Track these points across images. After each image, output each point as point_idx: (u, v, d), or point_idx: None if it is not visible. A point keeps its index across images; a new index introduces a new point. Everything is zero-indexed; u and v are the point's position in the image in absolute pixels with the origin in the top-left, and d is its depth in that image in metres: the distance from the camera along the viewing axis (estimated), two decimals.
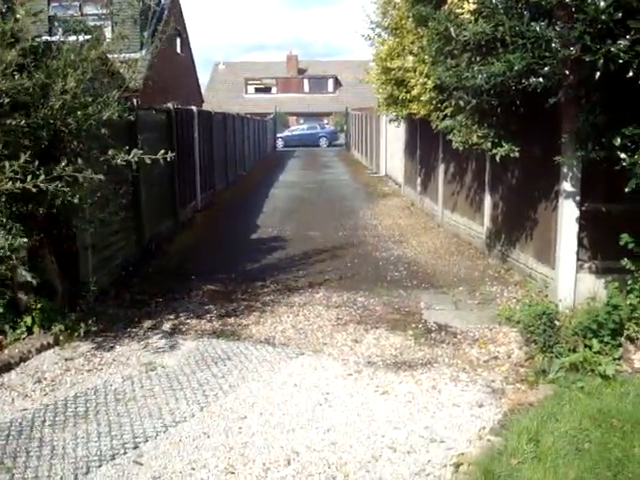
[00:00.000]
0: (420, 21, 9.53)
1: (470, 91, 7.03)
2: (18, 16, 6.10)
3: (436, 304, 7.88)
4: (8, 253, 5.46)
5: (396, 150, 20.42)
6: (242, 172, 25.06)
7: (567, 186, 7.02)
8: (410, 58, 11.94)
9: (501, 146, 7.61)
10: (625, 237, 6.35)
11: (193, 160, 15.41)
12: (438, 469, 4.30)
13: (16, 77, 5.73)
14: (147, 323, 7.26)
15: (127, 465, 4.38)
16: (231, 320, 7.36)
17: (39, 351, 6.34)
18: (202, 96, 39.54)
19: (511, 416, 4.93)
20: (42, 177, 5.50)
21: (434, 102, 10.70)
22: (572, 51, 5.65)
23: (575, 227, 7.08)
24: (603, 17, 5.38)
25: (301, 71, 61.17)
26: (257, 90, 60.29)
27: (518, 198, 8.86)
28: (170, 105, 13.08)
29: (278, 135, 49.69)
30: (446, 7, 7.87)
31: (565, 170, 6.98)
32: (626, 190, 5.84)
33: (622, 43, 5.37)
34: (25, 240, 5.45)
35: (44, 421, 5.01)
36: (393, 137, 21.22)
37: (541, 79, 6.02)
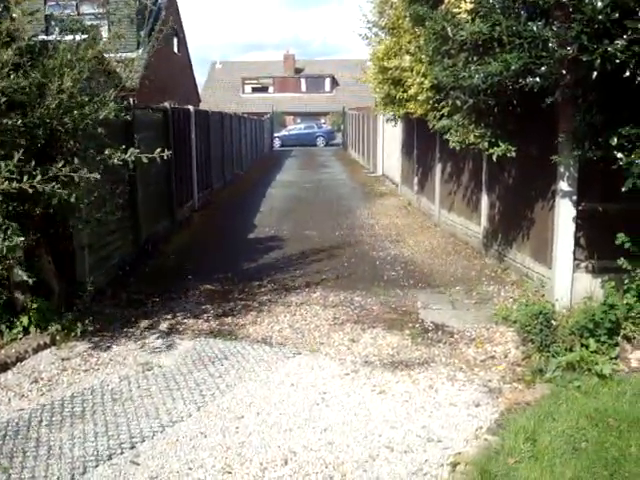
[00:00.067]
0: (417, 21, 9.53)
1: (467, 91, 7.03)
2: (14, 15, 6.09)
3: (433, 303, 7.88)
4: (4, 253, 5.44)
5: (393, 150, 20.42)
6: (239, 171, 25.05)
7: (564, 185, 7.03)
8: (407, 57, 11.93)
9: (498, 146, 7.62)
10: (621, 236, 6.35)
11: (190, 159, 15.39)
12: (435, 468, 4.30)
13: (12, 76, 5.72)
14: (144, 323, 7.25)
15: (124, 465, 4.38)
16: (228, 320, 7.36)
17: (36, 351, 6.33)
18: (199, 95, 39.48)
19: (508, 415, 4.94)
20: (39, 177, 5.49)
21: (431, 102, 10.70)
22: (569, 51, 5.66)
23: (572, 226, 7.09)
24: (600, 17, 5.38)
25: (298, 70, 61.13)
26: (254, 89, 60.23)
27: (515, 198, 8.87)
28: (167, 104, 13.06)
29: (275, 135, 49.67)
30: (443, 7, 7.86)
31: (562, 170, 6.99)
32: (623, 190, 5.84)
33: (619, 43, 5.38)
34: (22, 239, 5.43)
35: (41, 421, 5.00)
36: (390, 137, 21.23)
37: (538, 79, 6.02)
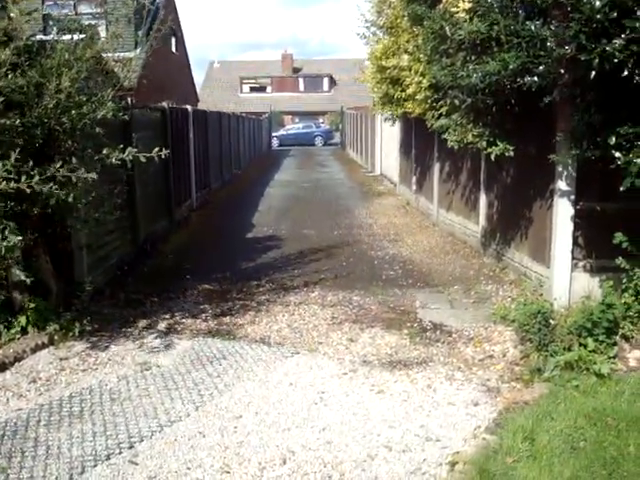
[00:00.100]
0: (415, 20, 9.52)
1: (465, 90, 7.03)
2: (12, 15, 6.08)
3: (431, 303, 7.88)
4: (2, 253, 5.44)
5: (391, 149, 20.42)
6: (237, 171, 25.05)
7: (562, 185, 7.03)
8: (405, 57, 11.94)
9: (496, 145, 7.62)
10: (619, 236, 6.35)
11: (188, 159, 15.39)
12: (434, 468, 4.30)
13: (10, 76, 5.71)
14: (142, 323, 7.24)
15: (122, 465, 4.37)
16: (226, 319, 7.36)
17: (34, 351, 6.32)
18: (197, 95, 39.46)
19: (506, 415, 4.94)
20: (37, 178, 5.49)
21: (429, 101, 10.70)
22: (567, 50, 5.66)
23: (570, 226, 7.10)
24: (598, 16, 5.39)
25: (296, 70, 61.09)
26: (252, 89, 60.20)
27: (513, 197, 8.87)
28: (165, 104, 13.05)
29: (273, 134, 49.68)
30: (441, 6, 7.87)
31: (560, 169, 6.99)
32: (621, 189, 5.84)
33: (617, 42, 5.38)
34: (19, 239, 5.43)
35: (39, 421, 4.99)
36: (388, 136, 21.23)
37: (536, 78, 6.03)
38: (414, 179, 16.00)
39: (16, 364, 6.07)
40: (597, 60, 5.46)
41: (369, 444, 4.61)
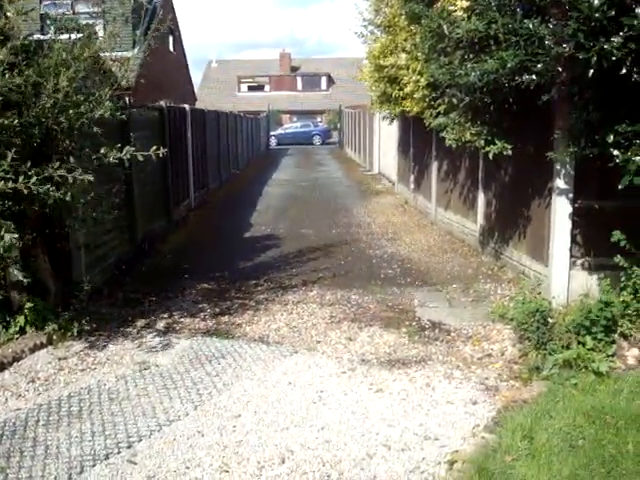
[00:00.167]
0: (413, 18, 9.53)
1: (463, 88, 7.03)
2: (9, 14, 6.07)
3: (430, 302, 7.88)
4: (0, 252, 5.43)
5: (389, 148, 20.43)
6: (235, 170, 25.03)
7: (560, 183, 7.04)
8: (403, 56, 11.94)
9: (494, 144, 7.62)
10: (617, 234, 6.35)
11: (186, 158, 15.37)
12: (432, 466, 4.30)
13: (7, 76, 5.70)
14: (141, 322, 7.24)
15: (121, 464, 4.37)
16: (225, 319, 7.35)
17: (32, 351, 6.31)
18: (195, 94, 39.44)
19: (505, 413, 4.94)
20: (34, 179, 5.48)
21: (427, 99, 10.70)
22: (565, 48, 5.66)
23: (568, 224, 7.10)
24: (597, 14, 5.39)
25: (294, 69, 61.09)
26: (250, 88, 60.16)
27: (511, 195, 8.87)
28: (163, 103, 13.04)
29: (271, 133, 49.64)
30: (439, 4, 7.88)
31: (558, 167, 7.00)
32: (619, 187, 5.84)
33: (615, 40, 5.38)
34: (15, 237, 5.41)
35: (38, 421, 4.99)
36: (386, 135, 21.23)
37: (534, 76, 6.02)
38: (412, 178, 16.00)
39: (15, 364, 6.07)
40: (595, 58, 5.46)
41: (368, 443, 4.61)
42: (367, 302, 7.91)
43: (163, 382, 5.69)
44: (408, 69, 11.60)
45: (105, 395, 5.44)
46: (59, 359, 6.19)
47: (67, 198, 5.85)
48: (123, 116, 7.13)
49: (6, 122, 5.63)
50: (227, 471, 4.28)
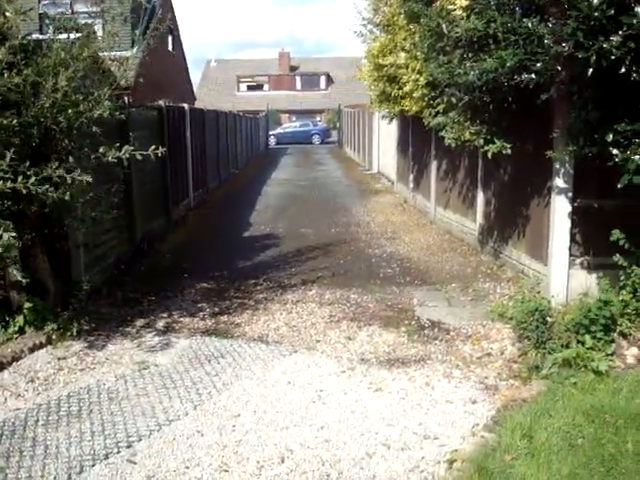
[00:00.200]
0: (412, 17, 9.52)
1: (462, 88, 7.03)
2: (7, 14, 6.06)
3: (429, 301, 7.88)
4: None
5: (388, 147, 20.43)
6: (235, 170, 25.01)
7: (559, 182, 7.04)
8: (402, 55, 11.94)
9: (493, 143, 7.62)
10: (616, 233, 6.34)
11: (185, 158, 15.36)
12: (432, 466, 4.30)
13: (5, 75, 5.69)
14: (140, 322, 7.24)
15: (121, 464, 4.37)
16: (224, 318, 7.35)
17: (32, 350, 6.31)
18: (194, 94, 39.43)
19: (504, 412, 4.94)
20: (32, 179, 5.47)
21: (426, 99, 10.70)
22: (564, 47, 5.66)
23: (567, 223, 7.10)
24: (596, 14, 5.39)
25: (293, 68, 61.07)
26: (249, 87, 60.13)
27: (510, 194, 8.88)
28: (162, 103, 13.03)
29: (270, 132, 49.62)
30: (438, 3, 7.87)
31: (557, 166, 7.00)
32: (618, 186, 5.84)
33: (614, 39, 5.38)
34: (13, 235, 5.41)
35: (37, 421, 4.98)
36: (385, 134, 21.23)
37: (533, 75, 6.03)
38: (411, 177, 16.00)
39: (14, 364, 6.06)
40: (594, 57, 5.46)
41: (367, 442, 4.61)
42: (366, 301, 7.91)
43: (162, 382, 5.69)
44: (407, 68, 11.60)
45: (104, 395, 5.44)
46: (58, 359, 6.19)
47: (66, 198, 5.84)
48: (122, 116, 7.13)
49: (5, 122, 5.62)
50: (227, 471, 4.28)
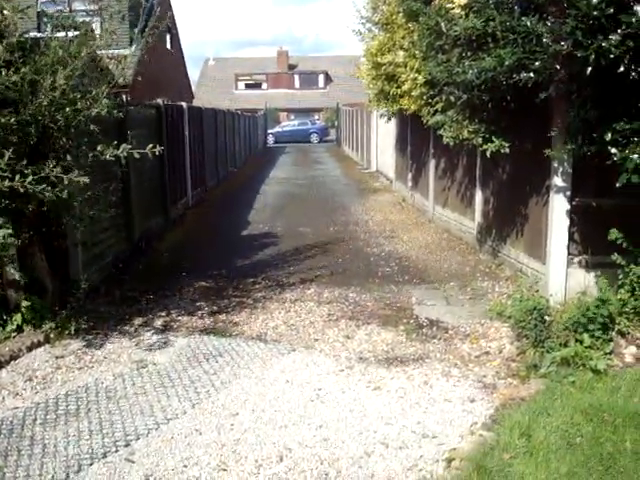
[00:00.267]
0: (411, 16, 9.51)
1: (461, 86, 7.03)
2: (5, 12, 6.05)
3: (427, 299, 7.88)
4: None
5: (387, 146, 20.42)
6: (233, 168, 25.00)
7: (558, 181, 7.03)
8: (401, 53, 11.94)
9: (492, 142, 7.62)
10: (614, 232, 6.35)
11: (183, 157, 15.35)
12: (430, 464, 4.30)
13: (3, 73, 5.68)
14: (138, 320, 7.23)
15: (119, 463, 4.36)
16: (222, 317, 7.34)
17: (30, 349, 6.30)
18: (192, 92, 39.40)
19: (503, 411, 4.94)
20: (30, 178, 5.47)
21: (425, 97, 10.69)
22: (563, 46, 5.65)
23: (566, 222, 7.10)
24: (595, 12, 5.38)
25: (291, 67, 61.07)
26: (247, 86, 60.12)
27: (509, 193, 8.88)
28: (160, 101, 13.02)
29: (269, 131, 49.63)
30: (436, 2, 7.86)
31: (556, 165, 7.00)
32: (617, 185, 5.84)
33: (613, 38, 5.38)
34: (9, 232, 5.40)
35: (35, 419, 4.98)
36: (384, 133, 21.22)
37: (532, 74, 6.02)
38: (410, 176, 15.99)
39: (12, 362, 6.06)
40: (593, 56, 5.46)
41: (366, 441, 4.61)
42: (365, 300, 7.91)
43: (161, 380, 5.69)
44: (406, 67, 11.59)
45: (103, 393, 5.43)
46: (56, 357, 6.18)
47: (64, 196, 5.83)
48: (120, 114, 7.12)
49: (3, 120, 5.62)
50: (225, 469, 4.27)
